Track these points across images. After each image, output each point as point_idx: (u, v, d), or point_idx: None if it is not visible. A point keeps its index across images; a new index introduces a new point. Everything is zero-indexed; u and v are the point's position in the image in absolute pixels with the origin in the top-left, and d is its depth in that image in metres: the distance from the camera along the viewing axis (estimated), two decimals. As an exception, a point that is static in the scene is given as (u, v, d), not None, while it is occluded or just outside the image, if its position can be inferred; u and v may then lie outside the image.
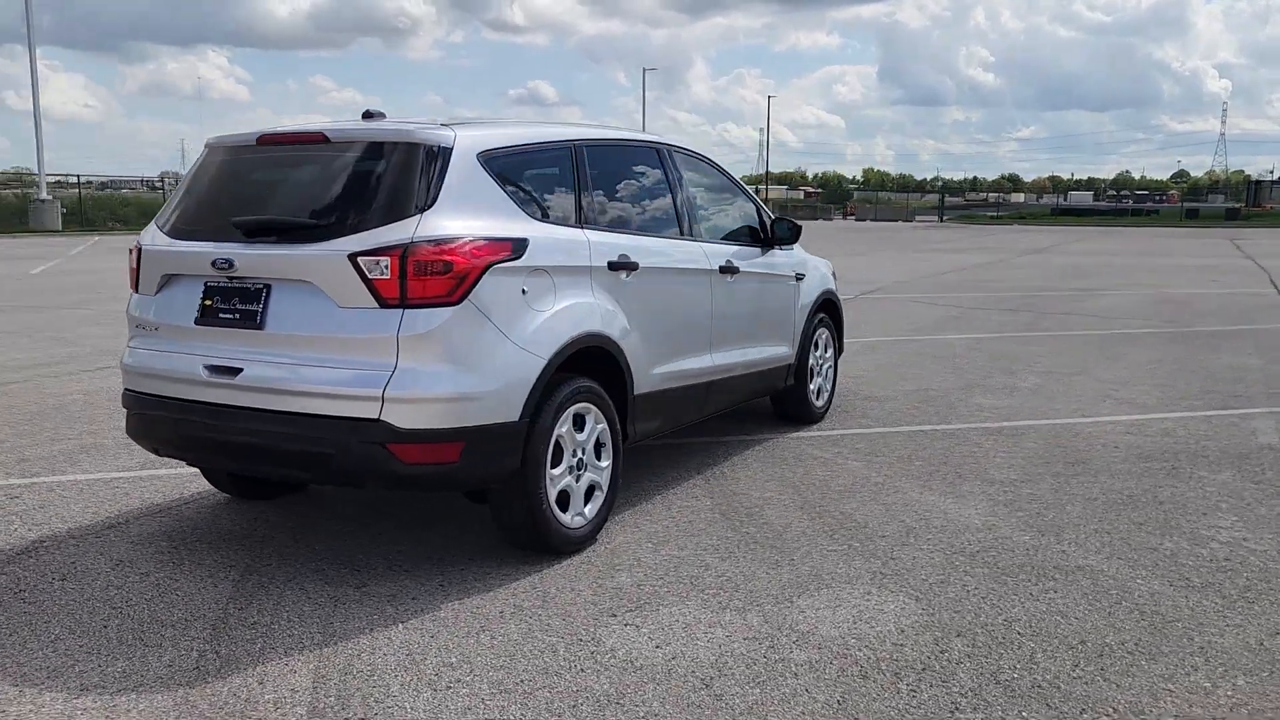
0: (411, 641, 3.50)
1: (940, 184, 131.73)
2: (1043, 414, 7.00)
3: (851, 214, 71.53)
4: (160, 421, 4.19)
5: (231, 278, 4.00)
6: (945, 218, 64.22)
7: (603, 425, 4.46)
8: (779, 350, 6.17)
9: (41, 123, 32.65)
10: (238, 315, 3.99)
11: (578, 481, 4.34)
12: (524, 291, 4.03)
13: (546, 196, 4.42)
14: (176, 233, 4.25)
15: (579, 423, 4.34)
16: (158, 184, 70.77)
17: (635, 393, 4.70)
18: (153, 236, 4.34)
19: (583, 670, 3.30)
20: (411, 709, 3.05)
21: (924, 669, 3.31)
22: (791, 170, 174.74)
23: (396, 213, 3.82)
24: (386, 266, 3.72)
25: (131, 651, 3.42)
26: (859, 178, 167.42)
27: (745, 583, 4.02)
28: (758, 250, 5.95)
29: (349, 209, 3.89)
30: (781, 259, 6.18)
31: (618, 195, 4.95)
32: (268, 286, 3.95)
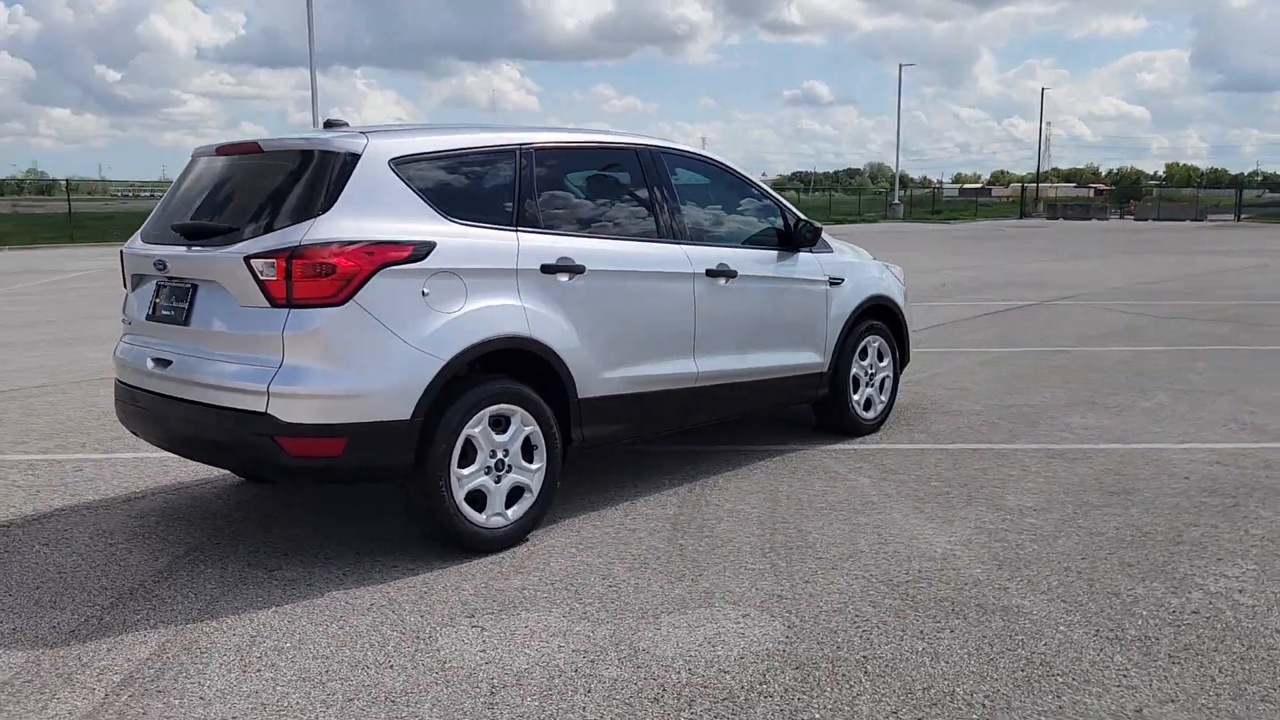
0: (267, 624, 3.68)
1: (1259, 178, 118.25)
2: (1133, 437, 6.28)
3: (1131, 213, 65.86)
4: (127, 407, 4.62)
5: (170, 278, 4.36)
6: (1244, 216, 57.43)
7: (532, 428, 4.47)
8: (803, 358, 5.90)
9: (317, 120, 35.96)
10: (172, 312, 4.34)
11: (497, 482, 4.38)
12: (425, 293, 4.12)
13: (474, 200, 4.48)
14: (145, 236, 4.67)
15: (500, 424, 4.38)
16: None
17: (581, 397, 4.67)
18: (131, 240, 4.79)
19: (390, 668, 3.35)
20: (208, 687, 3.22)
21: (725, 698, 3.11)
22: (1082, 166, 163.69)
23: (296, 217, 4.03)
24: (274, 268, 3.92)
25: (35, 611, 3.81)
26: (1160, 173, 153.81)
27: (629, 595, 3.92)
28: (774, 254, 5.73)
29: (260, 213, 4.14)
30: (808, 263, 5.91)
31: (573, 198, 4.93)
32: (194, 286, 4.28)
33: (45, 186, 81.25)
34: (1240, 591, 3.90)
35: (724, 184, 5.81)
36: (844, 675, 3.26)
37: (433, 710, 3.07)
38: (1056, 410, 7.04)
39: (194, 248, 4.26)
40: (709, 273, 5.26)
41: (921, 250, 26.30)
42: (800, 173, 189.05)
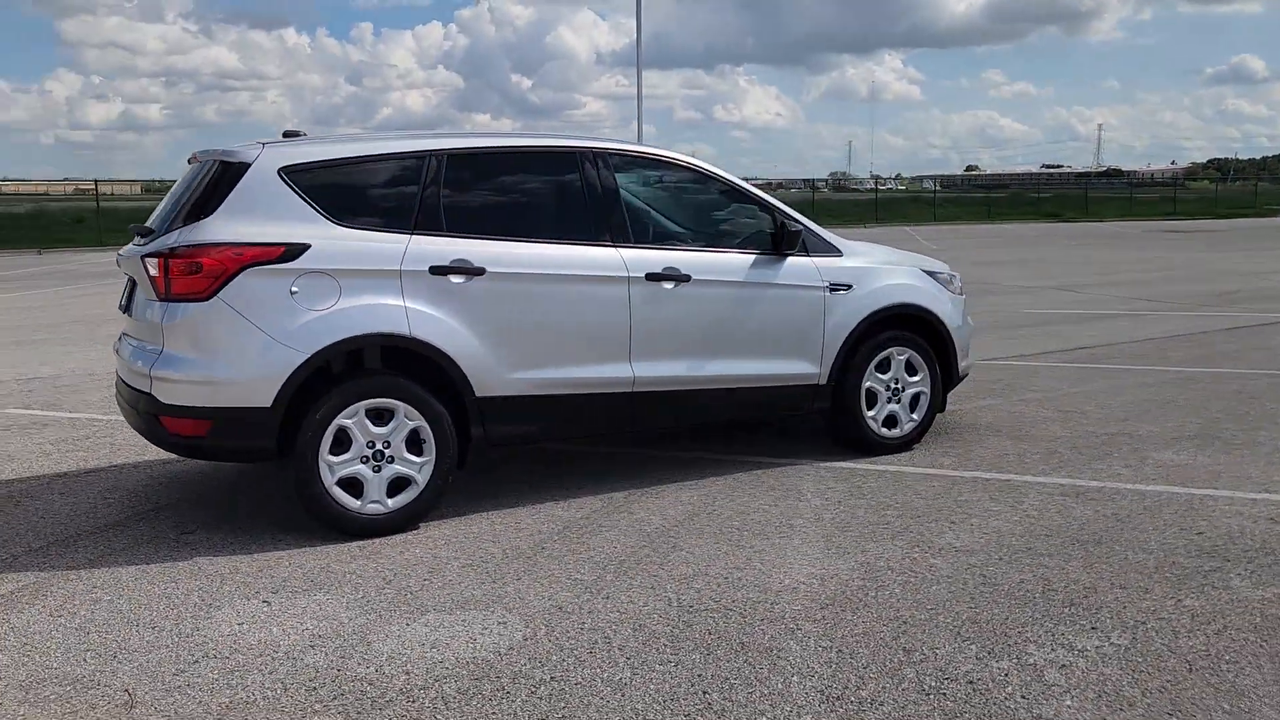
0: (106, 589, 4.12)
1: None
2: (1204, 480, 5.31)
3: None
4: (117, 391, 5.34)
5: (127, 274, 5.01)
6: None
7: (419, 422, 4.66)
8: (789, 368, 5.57)
9: (643, 130, 37.68)
10: (125, 304, 4.99)
11: (376, 472, 4.61)
12: (293, 291, 4.45)
13: (368, 205, 4.72)
14: (134, 235, 5.38)
15: (382, 417, 4.61)
16: (820, 184, 77.22)
17: (479, 395, 4.78)
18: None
19: (153, 627, 3.70)
20: (16, 618, 3.76)
21: (403, 698, 3.17)
22: None
23: (188, 220, 4.51)
24: (158, 266, 4.43)
25: (-21, 548, 4.60)
26: None
27: (421, 591, 4.01)
28: (749, 258, 5.46)
29: (175, 216, 4.65)
30: (800, 267, 5.56)
31: (489, 202, 5.03)
32: (133, 281, 4.90)
33: None
34: (1061, 668, 3.29)
35: (694, 186, 5.62)
36: (513, 693, 3.18)
37: (145, 664, 3.38)
38: (1143, 443, 6.07)
39: (134, 247, 4.89)
40: (650, 276, 5.14)
41: None
42: (1218, 159, 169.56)
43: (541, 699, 3.15)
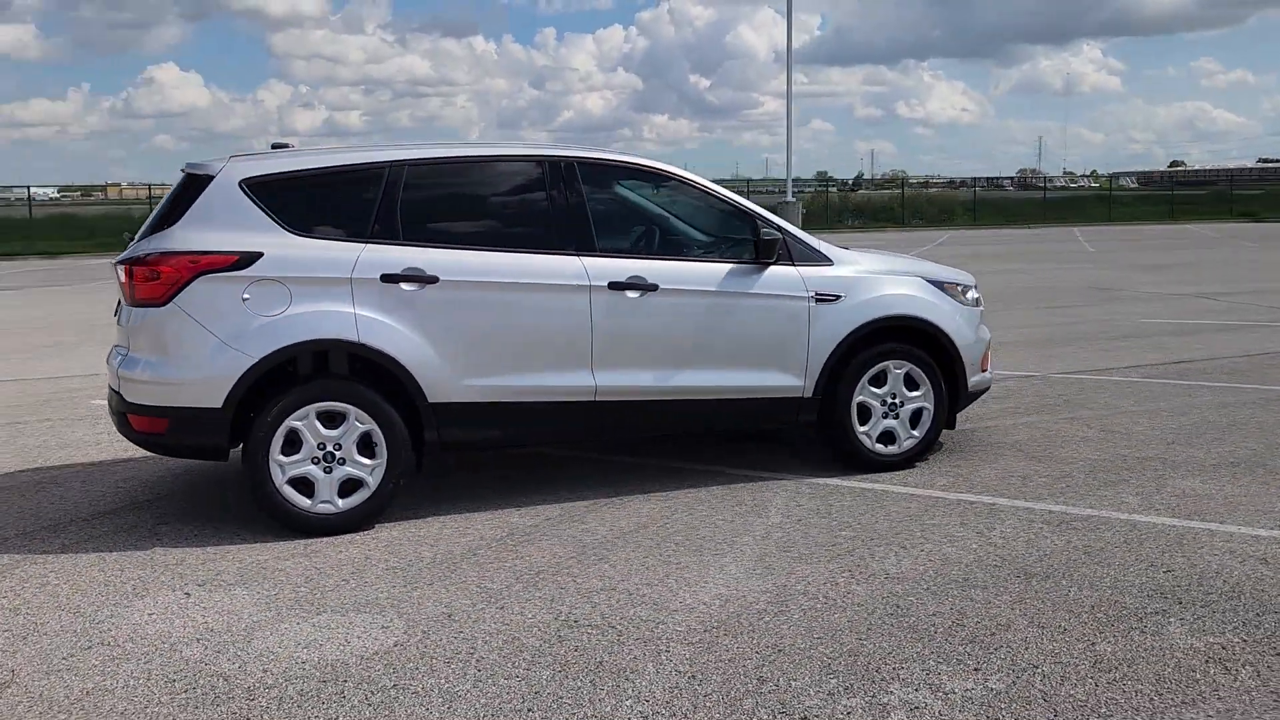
0: (60, 573, 4.41)
1: None
2: (1221, 515, 4.86)
3: None
4: None
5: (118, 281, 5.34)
6: None
7: (370, 426, 4.79)
8: (769, 380, 5.41)
9: (793, 129, 37.22)
10: (117, 310, 5.31)
11: (327, 473, 4.76)
12: (245, 298, 4.64)
13: (325, 215, 4.87)
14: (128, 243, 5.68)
15: (334, 419, 4.76)
16: (1005, 181, 74.19)
17: (433, 401, 4.87)
18: None
19: (74, 612, 3.95)
20: (-43, 603, 4.09)
21: (246, 695, 3.29)
22: None
23: (156, 229, 4.78)
24: (124, 273, 4.71)
25: (-18, 530, 5.01)
26: None
27: (329, 590, 4.12)
28: (724, 267, 5.33)
29: (151, 225, 4.94)
30: (782, 276, 5.39)
31: (448, 211, 5.10)
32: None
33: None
34: (912, 709, 3.09)
35: (671, 194, 5.53)
36: (347, 698, 3.24)
37: (44, 647, 3.62)
38: (1188, 469, 5.59)
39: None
40: (614, 285, 5.10)
41: None
42: None
43: (371, 705, 3.18)
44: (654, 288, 5.16)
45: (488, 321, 4.95)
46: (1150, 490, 5.24)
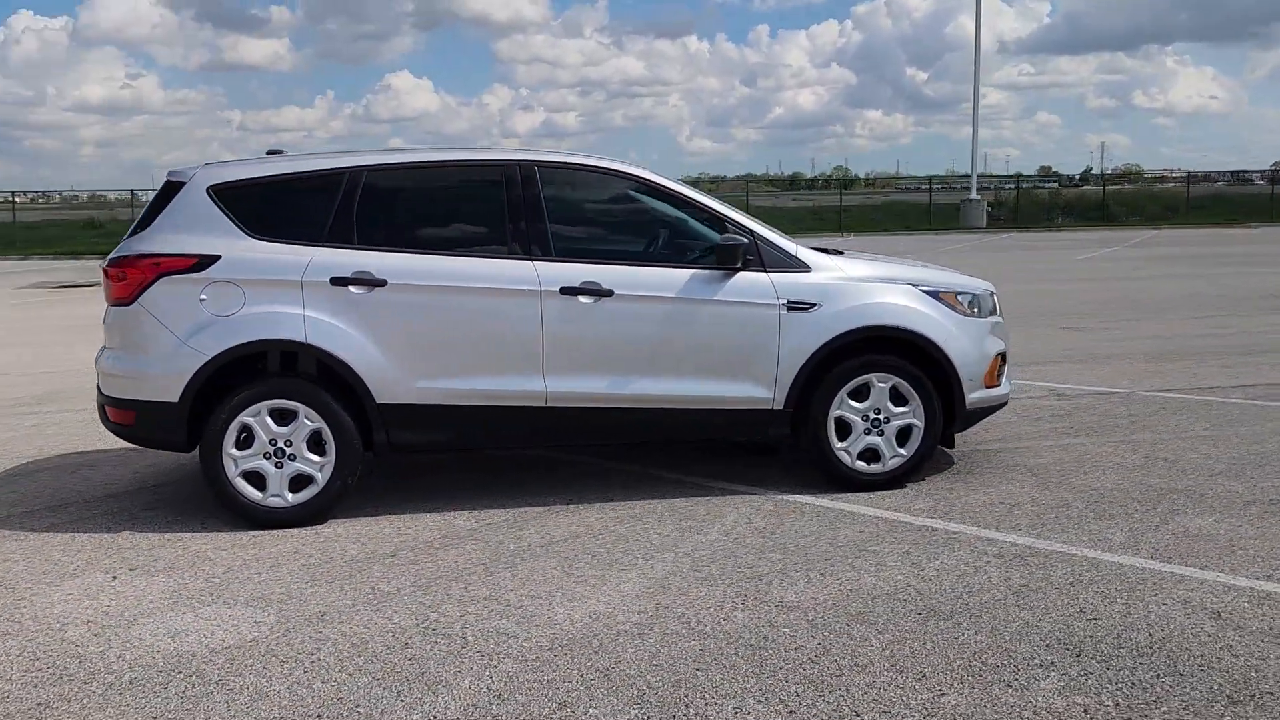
0: (24, 552, 4.73)
1: None
2: (1209, 560, 4.34)
3: None
4: None
5: None
6: None
7: (320, 424, 4.93)
8: (735, 390, 5.20)
9: (979, 126, 35.61)
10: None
11: (278, 468, 4.94)
12: (202, 299, 4.88)
13: (284, 220, 5.02)
14: None
15: (286, 417, 4.94)
16: (1255, 175, 67.12)
17: (380, 402, 4.97)
18: None
19: (4, 588, 4.29)
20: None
21: (112, 680, 3.48)
22: None
23: (133, 233, 5.09)
24: (103, 274, 5.05)
25: (-1, 507, 5.49)
26: None
27: (235, 583, 4.26)
28: (688, 273, 5.16)
29: (131, 230, 5.25)
30: (752, 283, 5.16)
31: (402, 216, 5.16)
32: None
33: (847, 181, 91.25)
34: (688, 751, 2.91)
35: (639, 197, 5.39)
36: (171, 688, 3.36)
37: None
38: (1210, 505, 5.00)
39: None
40: (566, 290, 5.04)
41: None
42: None
43: (182, 699, 3.28)
44: (609, 293, 5.07)
45: (436, 325, 5.00)
46: (1146, 527, 4.71)
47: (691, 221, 5.34)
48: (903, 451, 5.36)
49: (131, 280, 4.92)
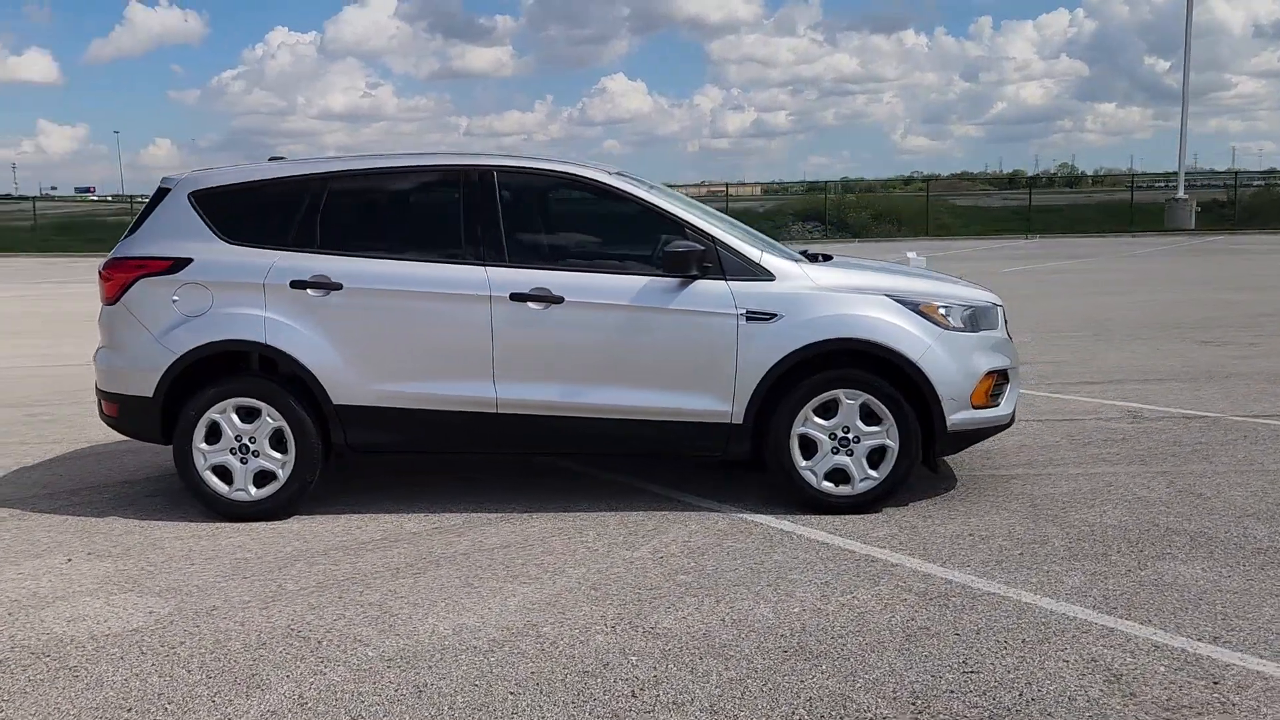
0: (11, 533, 5.14)
1: None
2: (1161, 615, 3.83)
3: None
4: None
5: None
6: None
7: (281, 423, 5.10)
8: (692, 402, 5.00)
9: (1188, 125, 32.96)
10: None
11: (243, 463, 5.13)
12: (175, 300, 5.12)
13: (254, 225, 5.18)
14: None
15: (247, 414, 5.13)
16: None
17: (336, 403, 5.08)
18: None
19: (-25, 565, 4.65)
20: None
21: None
22: None
23: (125, 236, 5.41)
24: (98, 275, 5.39)
25: None
26: None
27: (169, 572, 4.45)
28: (642, 280, 4.99)
29: (124, 233, 5.56)
30: (710, 291, 4.94)
31: (364, 220, 5.22)
32: None
33: (1073, 179, 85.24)
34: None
35: (600, 203, 5.24)
36: (23, 668, 3.56)
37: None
38: (1217, 552, 4.43)
39: None
40: (515, 296, 4.99)
41: None
42: None
43: (32, 681, 3.45)
44: (559, 300, 4.98)
45: (389, 328, 5.06)
46: (1115, 572, 4.21)
47: (652, 227, 5.16)
48: (874, 474, 5.00)
49: (115, 281, 5.23)
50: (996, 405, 5.18)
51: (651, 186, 5.46)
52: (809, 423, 4.99)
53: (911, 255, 22.51)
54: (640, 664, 3.48)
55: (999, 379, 5.18)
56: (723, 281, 4.99)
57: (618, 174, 5.32)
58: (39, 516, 5.33)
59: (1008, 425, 5.32)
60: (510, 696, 3.27)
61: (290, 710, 3.22)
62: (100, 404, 5.47)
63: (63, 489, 5.85)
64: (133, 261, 5.21)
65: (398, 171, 5.35)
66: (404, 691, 3.32)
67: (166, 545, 4.84)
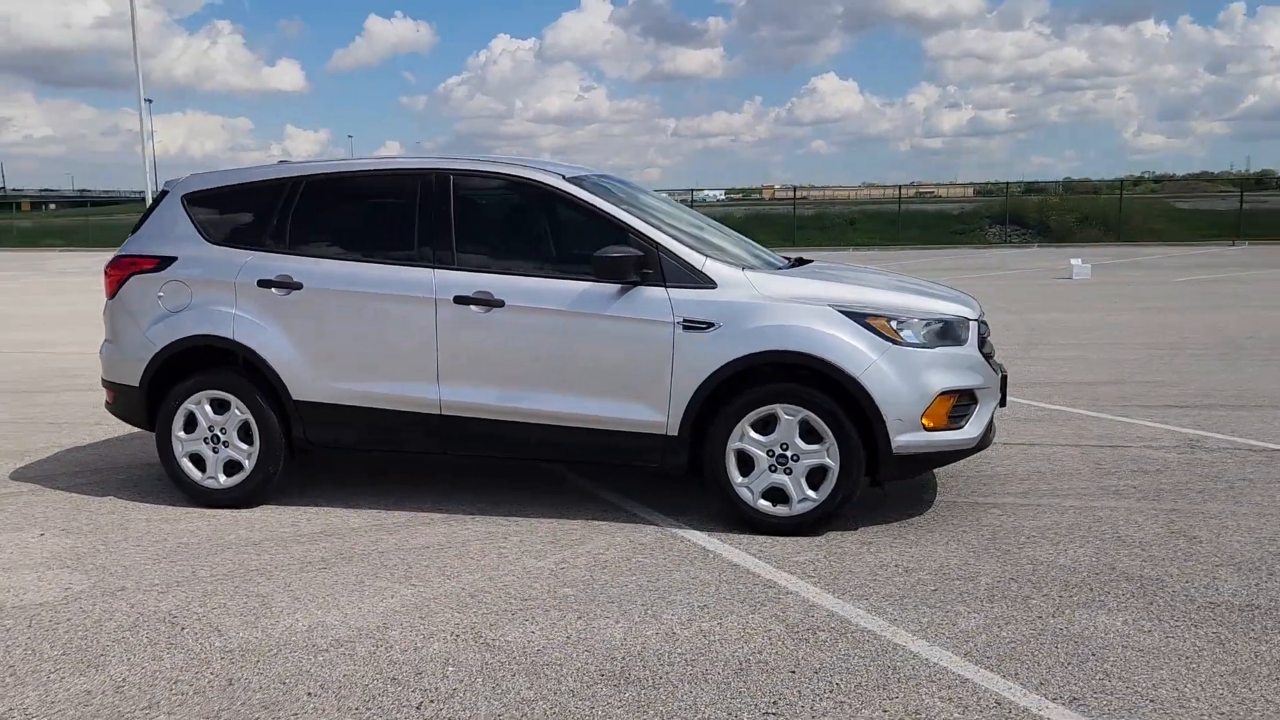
0: (15, 508, 5.64)
1: None
2: (1031, 671, 3.48)
3: None
4: None
5: None
6: None
7: (247, 416, 5.34)
8: (628, 412, 4.87)
9: None
10: None
11: (215, 453, 5.41)
12: (160, 296, 5.45)
13: (234, 226, 5.44)
14: None
15: (219, 406, 5.40)
16: None
17: (296, 399, 5.27)
18: None
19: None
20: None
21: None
22: None
23: (130, 236, 5.79)
24: (104, 273, 5.79)
25: None
26: None
27: (105, 551, 4.73)
28: (582, 286, 4.90)
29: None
30: (648, 298, 4.80)
31: (329, 223, 5.35)
32: None
33: None
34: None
35: (545, 208, 5.18)
36: None
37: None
38: (1152, 604, 3.96)
39: None
40: (459, 299, 5.02)
41: None
42: None
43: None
44: (500, 303, 4.98)
45: (344, 328, 5.20)
46: (1020, 620, 3.83)
47: (599, 232, 5.06)
48: (813, 495, 4.74)
49: (113, 278, 5.61)
50: (958, 428, 4.80)
51: (626, 189, 5.42)
52: (746, 438, 4.78)
53: (1075, 263, 21.21)
54: (451, 676, 3.44)
55: (962, 399, 4.80)
56: (662, 289, 4.85)
57: (579, 178, 5.24)
58: (50, 493, 5.78)
59: (975, 450, 4.92)
60: (306, 698, 3.30)
61: (103, 692, 3.37)
62: (106, 392, 5.87)
63: (89, 468, 6.32)
64: (127, 259, 5.58)
65: (361, 175, 5.48)
66: (213, 684, 3.41)
67: (132, 527, 5.15)
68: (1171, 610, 3.86)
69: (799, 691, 3.28)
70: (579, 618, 3.90)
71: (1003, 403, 5.22)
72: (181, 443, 5.44)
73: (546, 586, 4.23)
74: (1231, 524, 4.86)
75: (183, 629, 3.87)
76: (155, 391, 5.48)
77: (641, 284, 4.86)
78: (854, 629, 3.76)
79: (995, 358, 5.34)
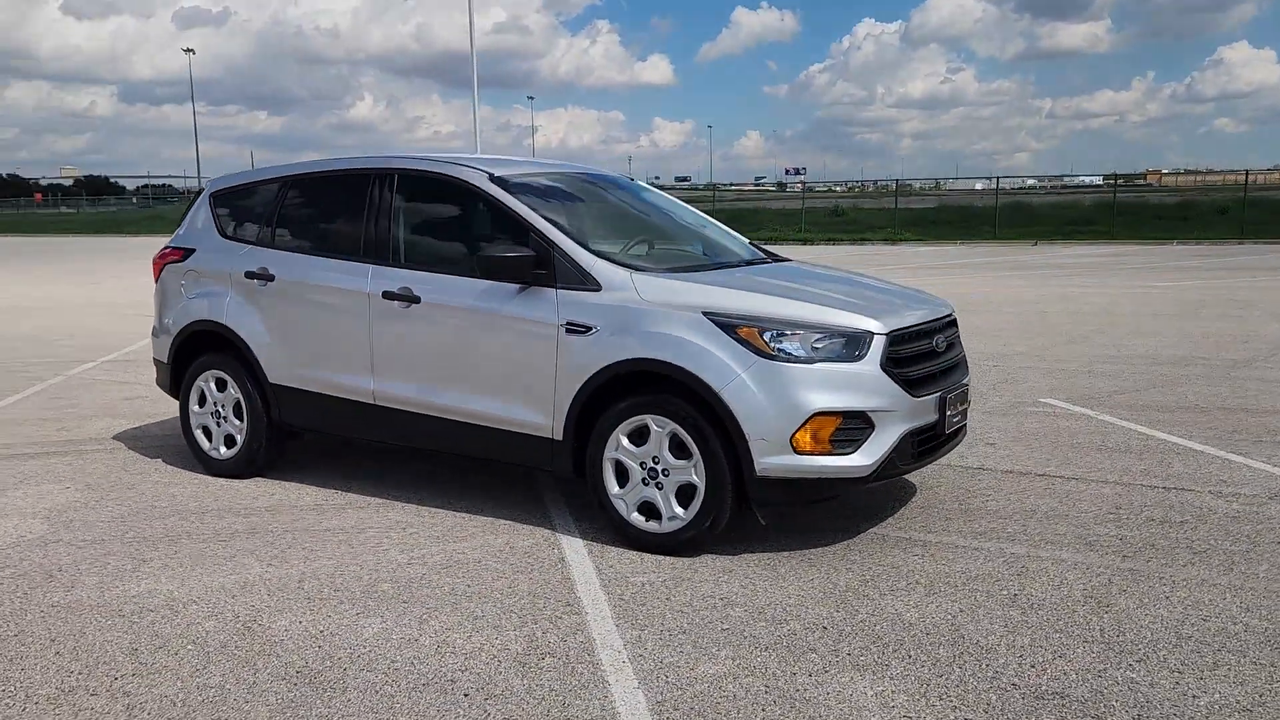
0: (35, 470, 6.52)
1: None
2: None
3: None
4: None
5: None
6: None
7: (239, 395, 5.87)
8: (518, 413, 4.81)
9: None
10: None
11: (218, 426, 5.99)
12: (183, 285, 6.10)
13: (239, 222, 5.96)
14: None
15: (220, 384, 5.96)
16: None
17: (271, 382, 5.71)
18: None
19: None
20: None
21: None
22: None
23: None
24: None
25: None
26: None
27: (86, 508, 5.39)
28: (484, 284, 4.88)
29: None
30: (539, 299, 4.71)
31: (303, 219, 5.69)
32: None
33: None
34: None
35: (469, 207, 5.17)
36: None
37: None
38: (1117, 650, 3.40)
39: None
40: (385, 295, 5.20)
41: None
42: None
43: None
44: (417, 299, 5.11)
45: (302, 319, 5.56)
46: (769, 674, 3.41)
47: (512, 231, 4.99)
48: (681, 513, 4.47)
49: (156, 266, 6.35)
50: (844, 454, 4.30)
51: (594, 189, 5.42)
52: (621, 448, 4.59)
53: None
54: (181, 655, 3.64)
55: (849, 421, 4.29)
56: (552, 289, 4.76)
57: (505, 177, 5.17)
58: (96, 454, 6.55)
59: (868, 480, 4.37)
60: (54, 657, 3.64)
61: (-72, 629, 3.90)
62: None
63: (151, 433, 7.12)
64: (169, 250, 6.29)
65: (331, 175, 5.78)
66: (30, 637, 3.82)
67: (138, 486, 5.83)
68: (962, 685, 3.28)
69: (469, 714, 3.16)
70: (360, 615, 3.97)
71: (954, 434, 4.67)
72: (195, 416, 6.06)
73: (372, 580, 4.32)
74: (1191, 593, 3.99)
75: (61, 584, 4.32)
76: (178, 369, 6.15)
77: (534, 284, 4.79)
78: (588, 660, 3.53)
79: (954, 376, 4.74)
